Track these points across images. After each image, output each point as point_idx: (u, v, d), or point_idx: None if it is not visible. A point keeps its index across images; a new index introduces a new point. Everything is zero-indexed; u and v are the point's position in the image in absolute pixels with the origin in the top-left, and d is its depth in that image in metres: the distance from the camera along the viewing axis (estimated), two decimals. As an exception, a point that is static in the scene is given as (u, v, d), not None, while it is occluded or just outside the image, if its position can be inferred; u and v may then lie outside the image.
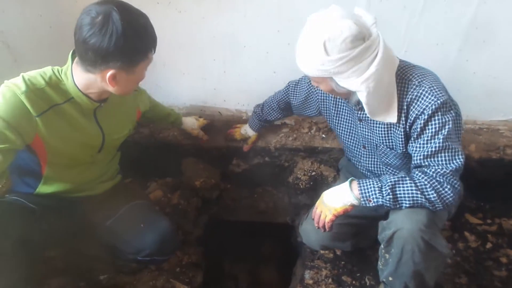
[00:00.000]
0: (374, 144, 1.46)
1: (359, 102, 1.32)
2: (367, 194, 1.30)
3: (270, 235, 2.40)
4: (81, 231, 1.56)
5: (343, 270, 1.80)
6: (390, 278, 1.38)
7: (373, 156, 1.54)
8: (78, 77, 1.24)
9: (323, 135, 2.14)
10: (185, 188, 2.13)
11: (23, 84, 1.17)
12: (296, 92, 1.79)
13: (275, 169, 2.20)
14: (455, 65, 1.94)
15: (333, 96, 1.54)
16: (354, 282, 1.73)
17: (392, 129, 1.36)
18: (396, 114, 1.29)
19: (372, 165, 1.57)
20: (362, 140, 1.50)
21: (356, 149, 1.58)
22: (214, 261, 2.26)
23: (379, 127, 1.39)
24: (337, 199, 1.36)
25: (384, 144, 1.41)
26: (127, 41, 1.10)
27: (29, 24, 1.98)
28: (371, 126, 1.42)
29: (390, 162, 1.47)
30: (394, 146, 1.39)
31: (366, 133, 1.46)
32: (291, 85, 1.83)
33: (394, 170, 1.50)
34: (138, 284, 1.68)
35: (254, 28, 1.99)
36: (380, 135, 1.40)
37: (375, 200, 1.29)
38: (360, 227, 1.67)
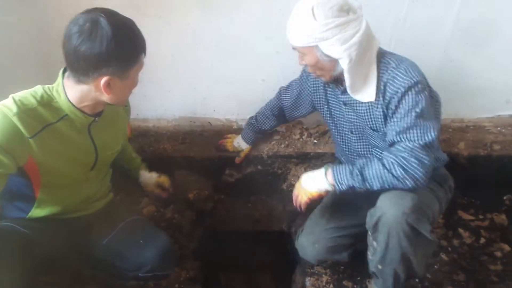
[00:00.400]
0: (361, 127, 1.50)
1: (341, 79, 1.39)
2: (340, 178, 1.37)
3: (267, 243, 2.38)
4: (76, 253, 1.51)
5: (343, 275, 1.80)
6: (380, 266, 1.40)
7: (361, 140, 1.57)
8: (71, 91, 1.21)
9: (315, 141, 2.15)
10: (178, 202, 2.09)
11: (14, 106, 1.13)
12: (288, 93, 1.84)
13: (268, 177, 2.19)
14: (441, 65, 1.99)
15: (322, 84, 1.59)
16: (355, 286, 1.73)
17: (372, 110, 1.40)
18: (374, 92, 1.35)
19: (362, 149, 1.59)
20: (349, 125, 1.54)
21: (345, 135, 1.61)
22: (212, 273, 2.23)
23: (361, 109, 1.43)
24: (312, 184, 1.44)
25: (368, 126, 1.45)
26: (118, 45, 1.09)
27: (11, 42, 1.93)
28: (354, 108, 1.46)
29: (377, 144, 1.50)
30: (377, 128, 1.43)
31: (352, 117, 1.51)
32: (282, 89, 1.88)
33: (383, 152, 1.52)
34: (137, 304, 1.64)
35: (242, 36, 1.99)
36: (364, 117, 1.44)
37: (346, 182, 1.35)
38: (355, 236, 1.68)
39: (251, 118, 2.02)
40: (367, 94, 1.37)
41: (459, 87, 2.06)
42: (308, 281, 1.80)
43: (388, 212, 1.28)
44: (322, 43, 1.26)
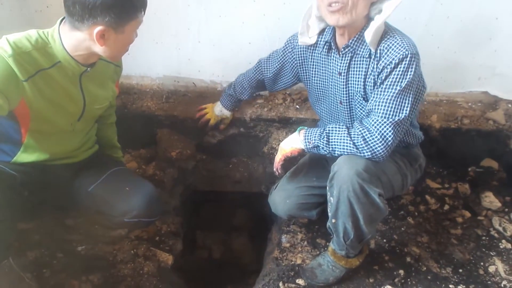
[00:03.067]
0: (351, 97, 1.52)
1: (339, 45, 1.43)
2: (309, 137, 1.46)
3: (246, 204, 2.46)
4: (62, 199, 1.53)
5: (317, 233, 1.90)
6: (333, 220, 1.47)
7: (350, 111, 1.59)
8: (66, 38, 1.20)
9: (297, 106, 2.20)
10: (160, 159, 2.12)
11: (9, 47, 1.13)
12: (268, 65, 1.81)
13: (250, 139, 2.23)
14: (421, 39, 2.02)
15: (310, 55, 1.60)
16: (327, 243, 1.83)
17: (367, 79, 1.43)
18: (376, 45, 1.36)
19: (351, 121, 1.61)
20: (340, 95, 1.56)
21: (334, 105, 1.62)
22: (190, 230, 2.29)
23: (356, 78, 1.46)
24: (287, 144, 1.54)
25: (361, 95, 1.47)
26: None
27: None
28: (349, 77, 1.48)
29: (364, 115, 1.53)
30: (367, 97, 1.46)
31: (344, 87, 1.51)
32: (262, 61, 1.85)
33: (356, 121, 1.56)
34: (119, 253, 1.69)
35: (230, -2, 1.98)
36: (357, 86, 1.47)
37: (313, 141, 1.44)
38: (324, 197, 1.76)
39: (229, 87, 2.00)
40: (373, 42, 1.36)
41: (436, 62, 2.14)
42: (284, 238, 1.89)
43: (343, 167, 1.36)
44: None
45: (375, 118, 1.34)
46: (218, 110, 2.07)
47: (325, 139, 1.41)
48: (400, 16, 2.00)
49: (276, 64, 1.76)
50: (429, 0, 1.96)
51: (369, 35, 1.34)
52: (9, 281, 1.31)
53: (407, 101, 1.33)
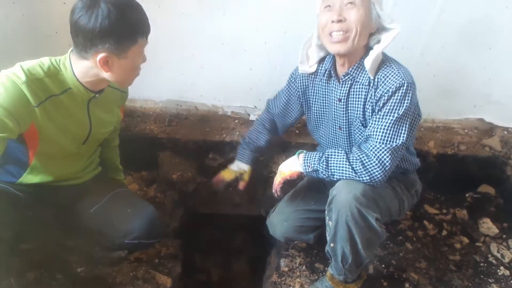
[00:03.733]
0: (351, 123, 1.56)
1: (339, 74, 1.48)
2: (308, 161, 1.48)
3: (245, 227, 2.46)
4: (63, 220, 1.55)
5: (316, 258, 1.91)
6: (332, 244, 1.48)
7: (349, 136, 1.61)
8: (76, 66, 1.26)
9: (297, 131, 2.24)
10: (161, 182, 2.15)
11: (23, 74, 1.18)
12: (276, 102, 1.84)
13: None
14: (418, 68, 2.08)
15: (312, 83, 1.64)
16: (326, 268, 1.82)
17: (365, 106, 1.47)
18: (374, 72, 1.42)
19: (348, 146, 1.64)
20: (339, 121, 1.59)
21: (333, 131, 1.65)
22: (190, 253, 2.29)
23: (355, 105, 1.50)
24: (287, 167, 1.55)
25: (360, 122, 1.51)
26: (111, 23, 1.13)
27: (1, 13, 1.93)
28: (348, 104, 1.52)
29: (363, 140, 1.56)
30: (367, 124, 1.49)
31: (344, 113, 1.55)
32: (270, 101, 1.89)
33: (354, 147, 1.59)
34: (118, 276, 1.68)
35: (232, 26, 2.05)
36: (357, 112, 1.50)
37: (312, 165, 1.46)
38: (322, 220, 1.78)
39: (244, 139, 1.97)
40: (372, 69, 1.40)
41: (433, 89, 2.19)
42: (283, 262, 1.89)
43: (342, 192, 1.38)
44: (380, 4, 1.35)
45: (373, 144, 1.38)
46: (234, 166, 1.99)
47: (324, 163, 1.44)
48: (397, 46, 2.04)
49: (283, 99, 1.79)
50: (424, 30, 2.03)
51: (368, 62, 1.39)
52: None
53: (404, 128, 1.37)
